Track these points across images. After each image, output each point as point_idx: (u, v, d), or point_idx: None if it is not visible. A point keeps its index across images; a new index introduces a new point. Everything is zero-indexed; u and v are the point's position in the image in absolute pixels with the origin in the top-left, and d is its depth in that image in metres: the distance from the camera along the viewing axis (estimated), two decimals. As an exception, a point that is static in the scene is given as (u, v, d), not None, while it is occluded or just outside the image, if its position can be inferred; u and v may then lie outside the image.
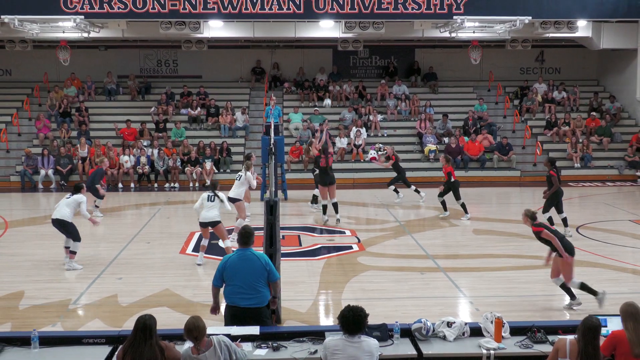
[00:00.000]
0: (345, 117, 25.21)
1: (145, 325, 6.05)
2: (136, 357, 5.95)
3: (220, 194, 12.24)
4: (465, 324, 7.13)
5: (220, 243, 12.39)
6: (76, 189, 12.48)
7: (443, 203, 16.63)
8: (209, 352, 6.11)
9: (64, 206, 12.16)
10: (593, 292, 9.66)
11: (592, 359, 5.93)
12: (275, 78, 27.56)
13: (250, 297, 7.39)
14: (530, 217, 9.95)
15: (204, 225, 12.21)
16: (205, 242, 12.36)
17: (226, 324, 7.52)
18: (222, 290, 7.64)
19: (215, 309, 7.76)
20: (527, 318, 8.28)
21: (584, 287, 9.71)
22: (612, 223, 16.04)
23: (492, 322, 6.95)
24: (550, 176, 14.42)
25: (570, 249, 9.70)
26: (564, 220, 14.48)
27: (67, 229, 12.10)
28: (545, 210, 14.49)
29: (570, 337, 6.16)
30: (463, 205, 16.41)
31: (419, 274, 11.77)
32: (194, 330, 6.08)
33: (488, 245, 14.01)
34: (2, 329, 8.98)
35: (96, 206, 16.87)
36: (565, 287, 9.80)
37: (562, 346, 6.11)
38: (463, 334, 7.03)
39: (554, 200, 14.45)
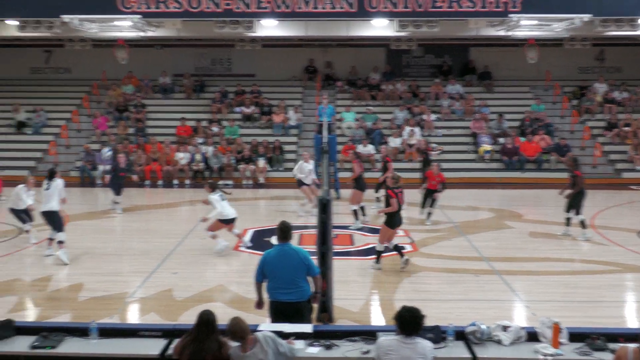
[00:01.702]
0: (397, 116, 25.08)
1: (209, 320, 6.19)
2: (197, 351, 6.05)
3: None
4: (522, 328, 6.99)
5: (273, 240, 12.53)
6: (51, 174, 12.45)
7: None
8: (256, 348, 6.17)
9: (51, 196, 12.26)
10: (401, 254, 11.73)
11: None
12: (328, 77, 27.60)
13: (290, 292, 7.48)
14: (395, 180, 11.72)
15: (227, 221, 13.13)
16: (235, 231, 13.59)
17: (271, 319, 7.63)
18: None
19: (259, 304, 7.85)
20: (586, 324, 8.07)
21: (397, 248, 11.79)
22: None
23: (549, 328, 6.79)
24: (575, 176, 14.41)
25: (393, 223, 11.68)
26: (582, 223, 14.33)
27: (53, 219, 12.31)
28: (570, 209, 14.42)
29: (632, 346, 5.94)
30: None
31: (474, 276, 11.61)
32: (239, 332, 6.17)
33: (544, 248, 13.73)
34: (63, 319, 9.26)
35: (116, 203, 17.51)
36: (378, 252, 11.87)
37: (624, 355, 5.89)
38: (519, 338, 6.89)
39: (578, 201, 14.36)
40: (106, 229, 15.37)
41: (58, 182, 12.51)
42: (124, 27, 21.88)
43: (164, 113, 25.89)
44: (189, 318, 6.22)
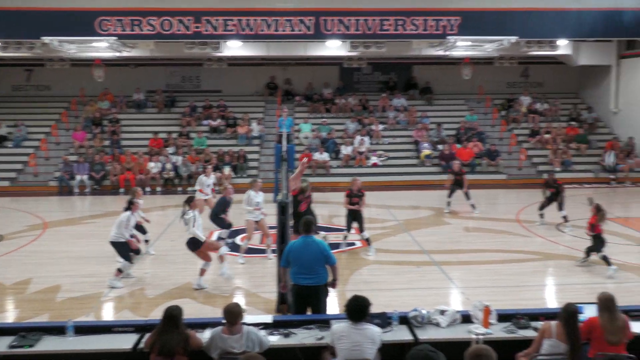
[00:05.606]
0: (349, 127, 25.19)
1: (173, 315, 6.10)
2: (164, 345, 5.96)
3: None
4: (457, 311, 7.10)
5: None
6: (188, 201, 10.39)
7: None
8: (237, 336, 6.14)
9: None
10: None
11: (576, 340, 5.97)
12: (287, 92, 27.58)
13: (310, 277, 7.65)
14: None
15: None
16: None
17: (293, 300, 7.85)
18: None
19: (284, 287, 8.05)
20: (512, 306, 8.23)
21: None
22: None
23: (480, 310, 6.92)
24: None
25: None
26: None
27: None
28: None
29: (554, 322, 6.17)
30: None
31: (415, 267, 11.74)
32: (234, 315, 6.14)
33: (477, 241, 13.97)
34: (41, 319, 9.01)
35: (220, 238, 13.45)
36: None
37: (548, 328, 6.13)
38: (455, 320, 7.00)
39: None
40: (83, 234, 15.04)
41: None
42: (100, 47, 21.58)
43: (138, 126, 25.49)
44: (160, 314, 6.14)
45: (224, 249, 10.82)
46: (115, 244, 11.01)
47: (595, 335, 6.09)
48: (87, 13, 21.04)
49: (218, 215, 13.27)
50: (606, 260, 11.33)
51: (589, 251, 11.65)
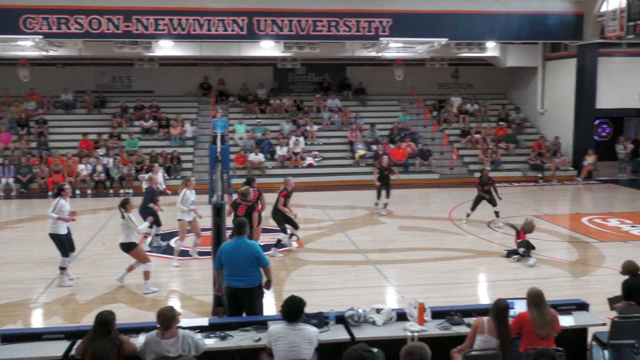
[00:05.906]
0: (284, 127, 25.17)
1: (104, 320, 5.91)
2: (97, 351, 5.78)
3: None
4: (392, 310, 7.18)
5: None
6: (124, 204, 10.23)
7: None
8: (172, 340, 6.02)
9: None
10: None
11: (506, 335, 6.14)
12: (221, 93, 27.30)
13: (242, 279, 7.57)
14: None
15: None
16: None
17: (227, 302, 7.84)
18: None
19: (219, 289, 8.00)
20: (446, 303, 8.42)
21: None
22: (517, 218, 16.42)
23: (415, 308, 7.03)
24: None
25: None
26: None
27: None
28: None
29: (486, 318, 6.33)
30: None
31: (351, 267, 11.83)
32: (167, 320, 6.02)
33: (411, 240, 14.20)
34: (-35, 329, 8.60)
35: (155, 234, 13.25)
36: None
37: (480, 324, 6.29)
38: (390, 319, 7.07)
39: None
40: (9, 239, 14.45)
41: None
42: (25, 46, 20.79)
43: (66, 128, 24.63)
44: (92, 320, 5.97)
45: (150, 265, 10.46)
46: (53, 236, 10.83)
47: (525, 330, 6.29)
48: (11, 10, 20.24)
49: (146, 206, 12.88)
50: (525, 256, 12.08)
51: (514, 252, 12.34)
